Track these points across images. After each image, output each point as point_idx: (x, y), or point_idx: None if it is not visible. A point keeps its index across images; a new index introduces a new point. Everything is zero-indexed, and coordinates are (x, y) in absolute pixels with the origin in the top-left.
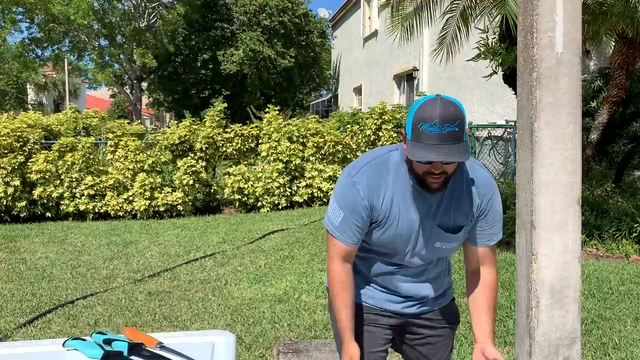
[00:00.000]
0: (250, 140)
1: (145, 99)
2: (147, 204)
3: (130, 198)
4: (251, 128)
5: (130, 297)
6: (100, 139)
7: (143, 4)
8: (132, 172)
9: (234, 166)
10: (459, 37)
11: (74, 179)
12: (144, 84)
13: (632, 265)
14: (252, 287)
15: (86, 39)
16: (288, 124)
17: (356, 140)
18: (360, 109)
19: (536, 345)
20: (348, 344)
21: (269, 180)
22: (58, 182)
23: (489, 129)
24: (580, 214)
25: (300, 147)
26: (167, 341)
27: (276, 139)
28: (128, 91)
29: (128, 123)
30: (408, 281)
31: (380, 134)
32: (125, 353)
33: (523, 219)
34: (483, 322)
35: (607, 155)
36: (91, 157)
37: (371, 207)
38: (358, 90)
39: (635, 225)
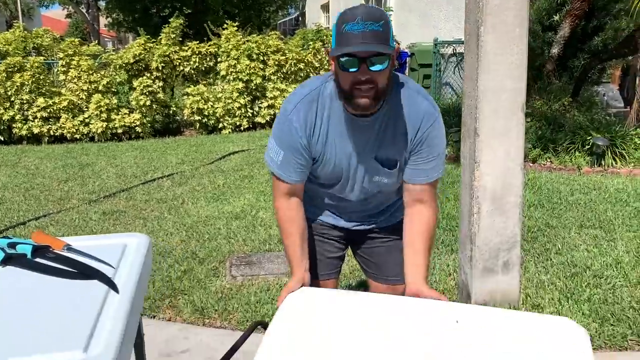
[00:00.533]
0: (208, 59)
1: (103, 20)
2: (104, 126)
3: (87, 120)
4: (209, 46)
5: (85, 217)
6: (53, 60)
7: None
8: (86, 93)
9: (192, 86)
10: None
11: (24, 101)
12: (102, 3)
13: (583, 176)
14: (209, 205)
15: None
16: (247, 40)
17: (319, 58)
18: (328, 27)
19: (477, 250)
20: (298, 271)
21: (230, 101)
22: (8, 104)
23: (455, 45)
24: (524, 121)
25: (261, 66)
26: (77, 244)
27: (235, 57)
28: (84, 10)
29: (81, 43)
30: (356, 210)
31: None
32: (29, 255)
33: (467, 126)
34: (417, 263)
35: (567, 69)
36: (41, 77)
37: (309, 144)
38: (325, 8)
39: (589, 138)
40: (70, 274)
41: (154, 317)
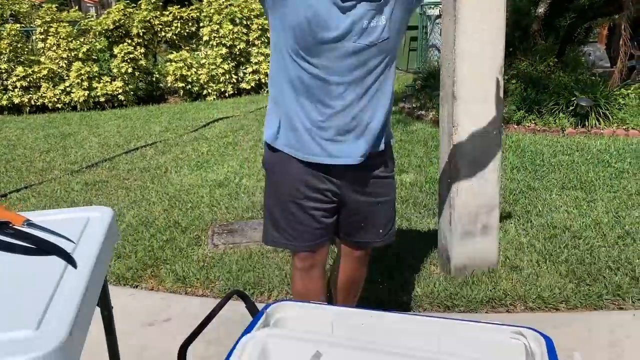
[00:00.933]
0: (190, 24)
1: None
2: (85, 94)
3: (68, 89)
4: (190, 10)
5: (66, 188)
6: (31, 27)
7: None
8: (66, 62)
9: (175, 52)
10: None
11: (3, 70)
12: None
13: (567, 138)
14: (192, 173)
15: None
16: (230, 4)
17: None
18: None
19: (455, 214)
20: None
21: (213, 67)
22: None
23: (441, 7)
24: (503, 84)
25: (245, 30)
26: (38, 219)
27: (218, 22)
28: None
29: (59, 9)
30: (346, 122)
31: None
32: None
33: (446, 90)
34: None
35: (554, 29)
36: (19, 45)
37: None
38: None
39: (573, 99)
40: (29, 250)
41: (137, 287)
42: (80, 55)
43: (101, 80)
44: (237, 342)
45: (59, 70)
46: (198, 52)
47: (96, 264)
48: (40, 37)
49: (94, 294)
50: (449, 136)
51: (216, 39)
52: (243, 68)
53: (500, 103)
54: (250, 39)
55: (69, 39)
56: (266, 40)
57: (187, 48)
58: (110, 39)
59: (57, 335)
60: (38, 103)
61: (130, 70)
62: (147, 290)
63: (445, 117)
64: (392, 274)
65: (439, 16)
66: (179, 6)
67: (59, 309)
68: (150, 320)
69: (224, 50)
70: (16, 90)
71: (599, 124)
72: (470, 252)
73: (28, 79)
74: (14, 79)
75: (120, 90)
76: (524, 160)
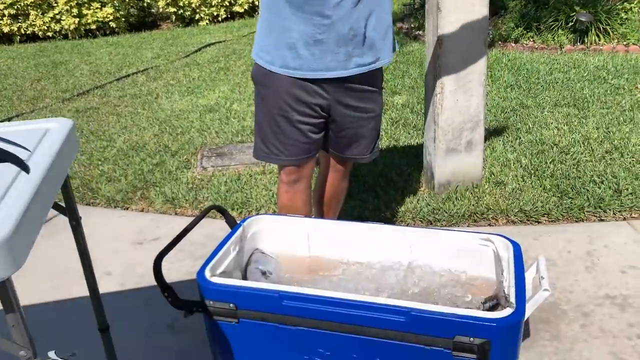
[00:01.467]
0: None
1: None
2: (76, 22)
3: (57, 16)
4: None
5: (58, 115)
6: None
7: None
8: None
9: None
10: None
11: None
12: None
13: (564, 55)
14: (183, 99)
15: None
16: None
17: None
18: None
19: (440, 131)
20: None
21: None
22: None
23: None
24: None
25: None
26: None
27: None
28: None
29: None
30: (343, 32)
31: None
32: None
33: (431, 1)
34: None
35: None
36: None
37: None
38: None
39: (572, 15)
40: None
41: (127, 209)
42: None
43: (91, 7)
44: (214, 251)
45: None
46: None
47: (50, 170)
48: None
49: (47, 199)
50: (434, 50)
51: None
52: None
53: (486, 12)
54: None
55: None
56: None
57: None
58: None
59: (2, 229)
60: (28, 32)
61: None
62: (137, 211)
63: (430, 30)
64: (377, 192)
65: None
66: None
67: (6, 208)
68: (140, 239)
69: None
70: (5, 18)
71: (599, 41)
72: (454, 168)
73: (15, 7)
74: (1, 6)
75: (112, 17)
76: (519, 79)
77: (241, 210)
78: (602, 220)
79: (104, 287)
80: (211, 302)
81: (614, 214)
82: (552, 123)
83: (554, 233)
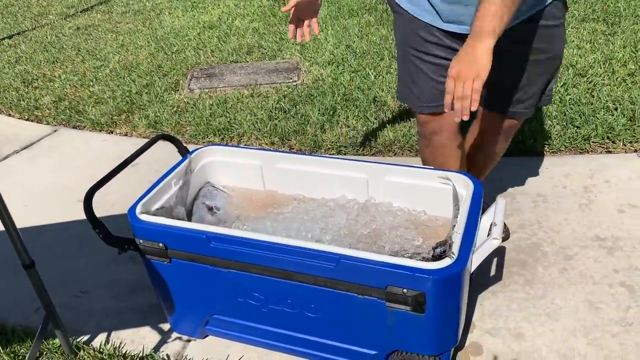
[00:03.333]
0: None
1: None
2: None
3: None
4: None
5: (58, 33)
6: None
7: None
8: None
9: None
10: None
11: None
12: None
13: None
14: (185, 15)
15: None
16: None
17: None
18: None
19: None
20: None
21: None
22: None
23: None
24: None
25: None
26: None
27: None
28: None
29: None
30: None
31: None
32: None
33: None
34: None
35: None
36: None
37: None
38: None
39: None
40: None
41: (111, 132)
42: None
43: None
44: (152, 186)
45: None
46: None
47: None
48: None
49: None
50: None
51: None
52: None
53: None
54: None
55: None
56: None
57: None
58: None
59: None
60: None
61: None
62: (120, 135)
63: None
64: (368, 117)
65: None
66: None
67: None
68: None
69: None
70: None
71: None
72: None
73: None
74: None
75: None
76: None
77: (223, 136)
78: (609, 152)
79: (74, 215)
80: (141, 241)
81: (623, 144)
82: (573, 41)
83: (552, 165)
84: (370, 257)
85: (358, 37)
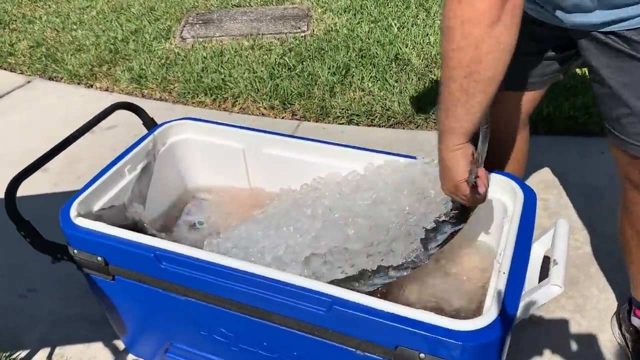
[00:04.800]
0: None
1: None
2: None
3: None
4: None
5: None
6: None
7: None
8: None
9: None
10: None
11: None
12: None
13: None
14: None
15: None
16: None
17: None
18: None
19: None
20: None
21: None
22: None
23: None
24: None
25: None
26: None
27: None
28: None
29: None
30: None
31: None
32: None
33: None
34: None
35: None
36: None
37: None
38: None
39: None
40: None
41: (91, 86)
42: None
43: None
44: (95, 176)
45: None
46: None
47: None
48: None
49: None
50: None
51: None
52: None
53: None
54: None
55: None
56: None
57: None
58: None
59: None
60: None
61: None
62: (100, 90)
63: None
64: (387, 80)
65: None
66: None
67: None
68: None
69: None
70: None
71: None
72: None
73: None
74: None
75: None
76: None
77: (215, 96)
78: None
79: (34, 181)
80: (76, 252)
81: None
82: None
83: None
84: (375, 304)
85: None
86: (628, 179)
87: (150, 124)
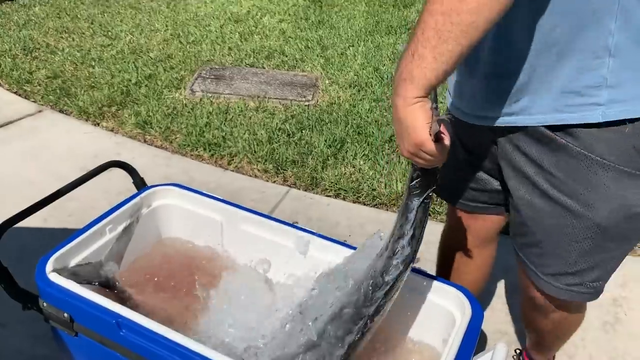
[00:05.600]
0: None
1: None
2: None
3: None
4: None
5: (76, 1)
6: None
7: None
8: None
9: None
10: None
11: None
12: None
13: None
14: (214, 1)
15: None
16: None
17: None
18: None
19: None
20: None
21: None
22: None
23: None
24: None
25: None
26: None
27: None
28: None
29: None
30: (485, 62)
31: None
32: None
33: None
34: None
35: None
36: None
37: None
38: None
39: None
40: None
41: (98, 124)
42: None
43: None
44: (77, 232)
45: None
46: None
47: None
48: None
49: None
50: None
51: None
52: None
53: None
54: None
55: None
56: None
57: None
58: None
59: None
60: None
61: None
62: (106, 130)
63: None
64: (378, 160)
65: None
66: None
67: None
68: (93, 165)
69: None
70: None
71: None
72: None
73: None
74: None
75: None
76: None
77: (213, 152)
78: None
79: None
80: (45, 305)
81: None
82: None
83: None
84: None
85: (390, 59)
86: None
87: (140, 185)
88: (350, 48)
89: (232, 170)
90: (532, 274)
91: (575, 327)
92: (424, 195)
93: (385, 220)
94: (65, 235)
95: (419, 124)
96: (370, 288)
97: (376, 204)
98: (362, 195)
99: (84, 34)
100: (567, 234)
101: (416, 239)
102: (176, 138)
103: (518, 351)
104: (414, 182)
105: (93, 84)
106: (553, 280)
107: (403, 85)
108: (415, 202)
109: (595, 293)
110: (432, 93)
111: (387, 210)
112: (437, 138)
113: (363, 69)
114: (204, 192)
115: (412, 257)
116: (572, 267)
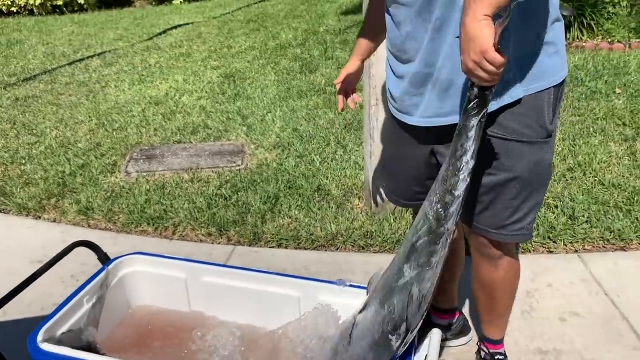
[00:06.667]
0: None
1: None
2: None
3: None
4: None
5: None
6: None
7: None
8: None
9: None
10: None
11: None
12: None
13: None
14: (132, 88)
15: None
16: None
17: None
18: None
19: (375, 146)
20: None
21: None
22: None
23: None
24: None
25: None
26: None
27: None
28: None
29: None
30: (414, 42)
31: None
32: None
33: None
34: None
35: None
36: None
37: None
38: None
39: None
40: None
41: (39, 217)
42: None
43: None
44: (59, 305)
45: None
46: None
47: None
48: None
49: None
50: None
51: None
52: None
53: None
54: None
55: None
56: None
57: None
58: None
59: None
60: None
61: None
62: (48, 221)
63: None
64: (310, 208)
65: None
66: None
67: None
68: (42, 256)
69: None
70: None
71: (582, 37)
72: None
73: None
74: None
75: None
76: None
77: (157, 225)
78: (550, 252)
79: None
80: None
81: (564, 245)
82: None
83: None
84: None
85: (305, 119)
86: (490, 261)
87: (104, 259)
88: (268, 114)
89: (178, 239)
90: (485, 232)
91: (516, 278)
92: (480, 115)
93: (326, 261)
94: (30, 325)
95: (485, 34)
96: (441, 209)
97: (315, 247)
98: (302, 240)
99: (7, 135)
100: (505, 192)
101: (476, 153)
102: (119, 218)
103: (477, 347)
104: (472, 103)
105: (27, 181)
106: (503, 230)
107: (473, 5)
108: (474, 121)
109: (530, 234)
110: (500, 11)
111: (326, 250)
112: (498, 51)
113: (283, 130)
114: (165, 255)
115: (473, 170)
116: (515, 217)
